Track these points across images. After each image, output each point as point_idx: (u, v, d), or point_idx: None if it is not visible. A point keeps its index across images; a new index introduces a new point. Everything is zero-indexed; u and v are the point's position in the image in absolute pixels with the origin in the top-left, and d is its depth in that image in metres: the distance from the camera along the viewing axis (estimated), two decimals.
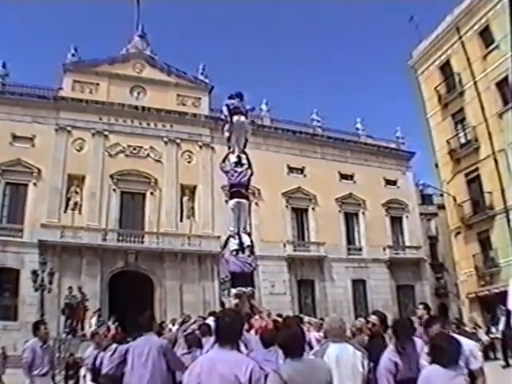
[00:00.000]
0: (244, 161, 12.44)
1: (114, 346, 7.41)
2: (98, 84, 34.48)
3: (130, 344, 6.70)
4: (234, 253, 11.24)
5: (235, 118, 12.64)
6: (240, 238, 11.55)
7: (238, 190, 12.03)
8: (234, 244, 11.44)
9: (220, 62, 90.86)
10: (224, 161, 12.62)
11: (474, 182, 31.48)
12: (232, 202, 12.05)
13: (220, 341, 4.11)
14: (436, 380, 4.45)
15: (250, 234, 11.93)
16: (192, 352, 7.52)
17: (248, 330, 8.96)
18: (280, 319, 9.82)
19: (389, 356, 5.35)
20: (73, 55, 34.37)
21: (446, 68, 33.82)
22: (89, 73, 34.34)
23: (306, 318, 11.83)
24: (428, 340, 5.20)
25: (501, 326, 18.89)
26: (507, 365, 16.85)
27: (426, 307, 9.98)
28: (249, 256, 11.20)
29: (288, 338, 4.22)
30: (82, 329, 24.77)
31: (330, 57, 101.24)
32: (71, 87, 33.91)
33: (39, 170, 31.08)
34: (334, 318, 5.67)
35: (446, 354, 4.55)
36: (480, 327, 25.39)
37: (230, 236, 11.76)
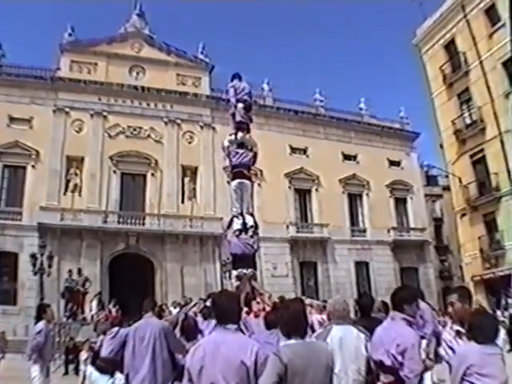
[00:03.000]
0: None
1: (116, 329, 7.43)
2: (96, 64, 34.33)
3: (130, 327, 6.71)
4: (237, 233, 11.22)
5: (240, 105, 12.61)
6: (244, 219, 11.53)
7: (240, 171, 12.00)
8: (237, 224, 11.42)
9: (220, 41, 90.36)
10: None
11: (479, 163, 31.36)
12: (234, 183, 12.03)
13: (221, 322, 4.08)
14: (472, 357, 4.35)
15: (253, 215, 11.89)
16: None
17: (248, 313, 8.97)
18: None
19: None
20: (70, 35, 34.17)
21: (450, 47, 33.53)
22: (87, 53, 34.19)
23: (308, 301, 11.82)
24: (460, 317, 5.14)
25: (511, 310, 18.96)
26: None
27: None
28: (251, 237, 11.18)
29: (289, 318, 4.16)
30: (83, 312, 24.85)
31: (333, 35, 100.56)
32: (69, 67, 33.78)
33: (37, 152, 31.04)
34: (337, 299, 5.66)
35: (484, 331, 4.46)
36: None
37: (234, 216, 11.74)
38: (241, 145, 12.23)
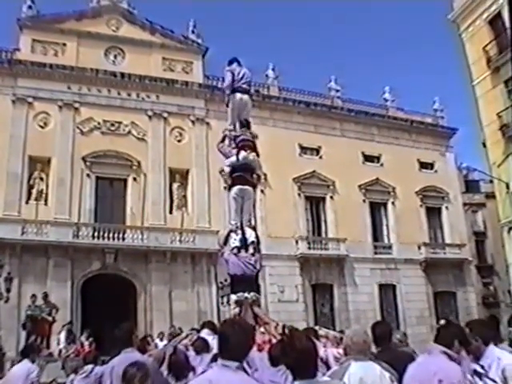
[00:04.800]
0: None
1: (89, 367, 7.41)
2: (64, 44, 34.34)
3: (107, 365, 6.68)
4: (236, 251, 11.22)
5: (238, 95, 12.62)
6: (243, 233, 11.53)
7: (242, 176, 12.00)
8: (235, 240, 11.41)
9: (215, 18, 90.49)
10: (223, 140, 12.59)
11: None
12: (234, 190, 12.00)
13: (223, 358, 4.06)
14: None
15: (255, 228, 11.90)
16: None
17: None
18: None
19: None
20: (30, 7, 34.01)
21: (496, 22, 33.39)
22: (52, 30, 34.15)
23: (323, 331, 11.81)
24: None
25: None
26: None
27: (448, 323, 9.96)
28: (252, 255, 11.16)
29: (296, 356, 4.13)
30: (48, 347, 24.70)
31: (351, 11, 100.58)
32: (30, 48, 33.74)
33: None
34: (356, 330, 5.64)
35: None
36: None
37: (231, 231, 11.74)
38: (243, 165, 12.21)
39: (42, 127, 32.54)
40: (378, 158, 39.84)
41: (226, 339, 4.12)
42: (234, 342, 4.07)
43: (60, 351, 23.48)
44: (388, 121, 41.25)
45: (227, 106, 12.92)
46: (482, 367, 5.02)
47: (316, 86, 41.21)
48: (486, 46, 33.64)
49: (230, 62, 13.00)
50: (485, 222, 47.01)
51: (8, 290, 24.93)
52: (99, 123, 33.45)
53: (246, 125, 12.36)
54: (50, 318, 25.04)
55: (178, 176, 34.41)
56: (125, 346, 6.59)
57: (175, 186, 34.16)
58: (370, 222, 38.50)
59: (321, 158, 37.98)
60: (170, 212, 33.54)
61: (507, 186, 32.12)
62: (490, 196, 41.23)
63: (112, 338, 7.16)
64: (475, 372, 4.95)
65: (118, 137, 33.65)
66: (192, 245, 32.47)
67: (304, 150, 37.86)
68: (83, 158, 32.47)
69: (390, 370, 5.05)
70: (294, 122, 38.00)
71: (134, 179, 33.35)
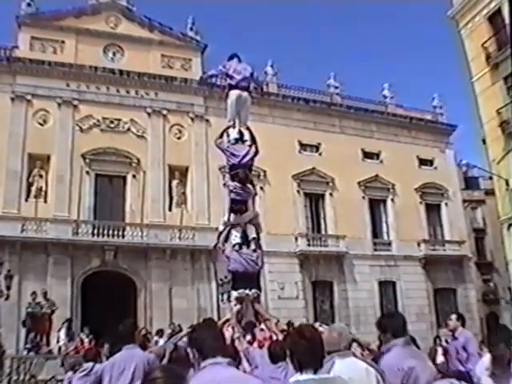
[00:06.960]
0: (246, 137, 12.39)
1: (89, 364, 7.41)
2: (63, 42, 34.28)
3: (107, 362, 6.66)
4: (237, 247, 11.19)
5: (236, 92, 12.59)
6: (244, 230, 11.51)
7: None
8: (236, 236, 11.38)
9: (213, 15, 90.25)
10: (221, 136, 12.57)
11: None
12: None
13: (208, 356, 4.08)
14: None
15: (255, 225, 11.88)
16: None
17: (251, 343, 8.96)
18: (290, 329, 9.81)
19: None
20: (28, 5, 33.93)
21: (496, 19, 33.25)
22: (51, 28, 34.08)
23: (322, 328, 11.84)
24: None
25: None
26: None
27: (460, 318, 9.92)
28: (254, 251, 11.15)
29: (300, 347, 4.07)
30: (48, 344, 24.62)
31: (350, 8, 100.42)
32: (29, 46, 33.67)
33: None
34: (335, 326, 5.63)
35: None
36: None
37: (232, 227, 11.73)
38: (240, 140, 12.21)
39: (41, 125, 32.50)
40: (377, 155, 39.84)
41: (200, 339, 4.25)
42: (209, 340, 4.17)
43: (59, 348, 23.47)
44: (387, 117, 41.21)
45: (226, 96, 12.91)
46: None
47: (315, 83, 41.07)
48: (485, 42, 33.48)
49: (230, 58, 13.00)
50: (484, 219, 47.02)
51: (8, 288, 24.87)
52: (98, 120, 33.41)
53: (243, 179, 11.94)
54: (49, 316, 24.98)
55: (178, 173, 34.37)
56: (127, 342, 6.57)
57: (174, 183, 34.13)
58: (370, 218, 38.49)
59: (320, 154, 37.97)
60: (170, 209, 33.52)
61: (507, 183, 32.03)
62: (490, 193, 41.16)
63: (112, 334, 7.16)
64: None
65: (117, 134, 33.60)
66: (192, 242, 32.44)
67: (303, 146, 37.85)
68: (83, 156, 32.44)
69: (374, 366, 5.01)
70: (293, 119, 37.95)
71: (134, 176, 33.32)
